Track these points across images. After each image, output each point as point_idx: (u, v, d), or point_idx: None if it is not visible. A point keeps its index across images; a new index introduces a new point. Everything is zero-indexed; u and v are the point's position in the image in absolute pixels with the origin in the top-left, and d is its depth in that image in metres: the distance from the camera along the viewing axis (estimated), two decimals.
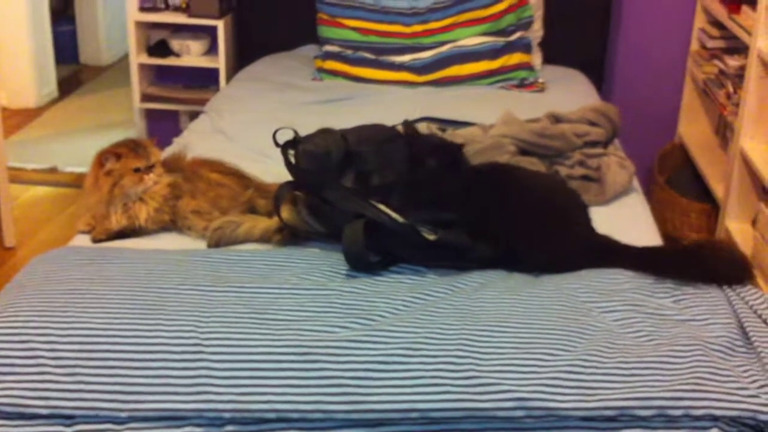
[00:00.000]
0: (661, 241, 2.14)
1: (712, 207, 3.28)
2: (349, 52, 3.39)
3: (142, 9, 3.71)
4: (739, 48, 3.29)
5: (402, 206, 1.88)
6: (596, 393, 1.47)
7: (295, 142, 2.05)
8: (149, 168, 2.04)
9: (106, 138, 4.40)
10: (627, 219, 2.22)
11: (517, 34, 3.40)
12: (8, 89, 4.93)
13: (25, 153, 4.30)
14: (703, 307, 1.71)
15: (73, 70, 5.70)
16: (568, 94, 3.23)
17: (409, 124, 2.12)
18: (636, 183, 2.44)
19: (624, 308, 1.69)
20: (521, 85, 3.32)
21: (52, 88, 5.17)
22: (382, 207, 1.84)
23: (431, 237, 1.82)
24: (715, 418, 1.45)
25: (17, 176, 4.02)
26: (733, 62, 3.18)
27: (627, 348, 1.57)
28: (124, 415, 1.49)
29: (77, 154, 4.26)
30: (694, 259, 1.82)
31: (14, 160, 4.15)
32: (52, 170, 4.16)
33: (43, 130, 4.69)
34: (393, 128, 2.22)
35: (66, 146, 4.43)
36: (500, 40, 3.36)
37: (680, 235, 3.37)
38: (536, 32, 3.50)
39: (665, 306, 1.71)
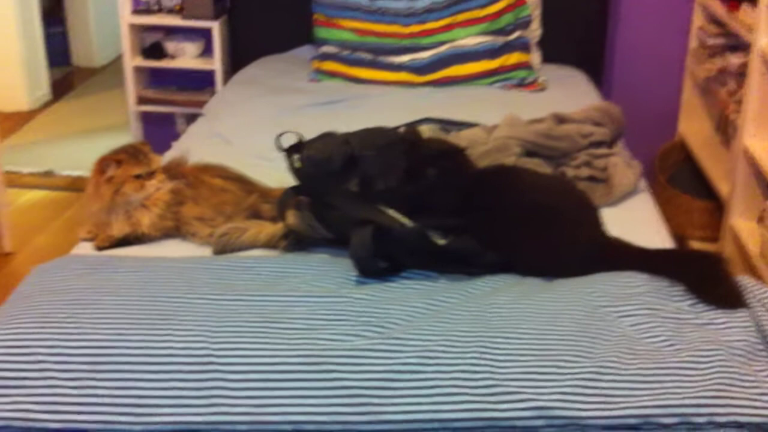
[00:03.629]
0: (670, 240, 2.12)
1: (715, 204, 3.26)
2: (346, 52, 3.35)
3: (136, 11, 3.67)
4: (738, 45, 3.28)
5: (407, 212, 1.84)
6: (618, 401, 1.45)
7: (299, 146, 2.02)
8: (150, 174, 2.00)
9: (101, 141, 4.40)
10: (635, 219, 2.19)
11: (516, 34, 3.37)
12: (0, 93, 4.87)
13: (19, 157, 4.25)
14: (721, 310, 1.68)
15: (66, 72, 5.64)
16: (568, 93, 3.22)
17: (410, 129, 2.08)
18: (643, 183, 2.41)
19: (640, 312, 1.66)
20: (521, 84, 3.29)
21: (44, 90, 5.11)
22: (391, 212, 1.81)
23: (441, 242, 1.79)
24: (739, 425, 1.42)
25: (13, 180, 3.97)
26: (735, 59, 3.16)
27: (646, 354, 1.54)
28: (137, 428, 1.45)
29: (72, 157, 4.21)
30: (700, 269, 1.79)
31: (9, 164, 4.10)
32: (48, 174, 4.11)
33: (37, 133, 4.64)
34: (395, 131, 2.20)
35: (60, 150, 4.38)
36: (499, 40, 3.33)
37: (684, 233, 3.36)
38: (534, 31, 3.48)
39: (682, 309, 1.68)
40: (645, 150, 3.65)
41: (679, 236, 3.37)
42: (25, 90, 4.92)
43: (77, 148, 4.36)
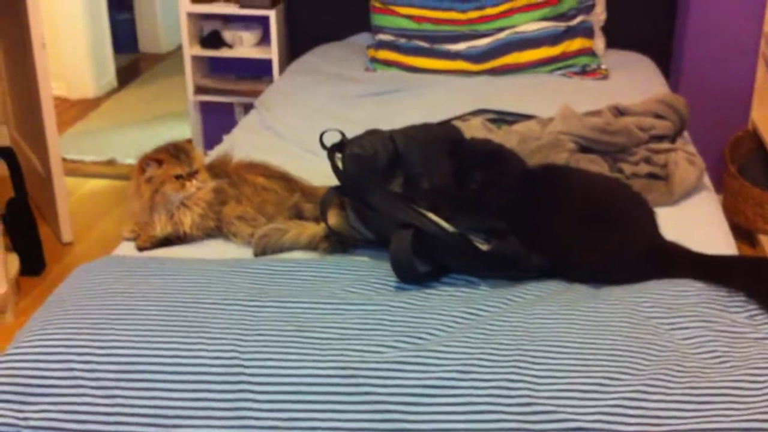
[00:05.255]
0: (734, 245, 2.00)
1: None
2: (402, 40, 3.28)
3: (194, 0, 3.66)
4: None
5: (452, 213, 1.78)
6: (662, 423, 1.36)
7: (342, 145, 1.97)
8: (191, 174, 1.98)
9: (164, 129, 4.44)
10: (697, 221, 2.08)
11: (579, 18, 3.25)
12: (67, 80, 4.95)
13: (83, 145, 4.32)
14: None
15: (132, 59, 5.71)
16: (633, 80, 3.08)
17: (454, 128, 2.01)
18: (707, 181, 2.29)
19: (694, 325, 1.57)
20: (583, 72, 3.17)
21: (110, 77, 5.18)
22: (431, 216, 1.74)
23: (484, 247, 1.72)
24: None
25: (75, 169, 4.04)
26: None
27: (697, 371, 1.45)
28: None
29: (135, 145, 4.23)
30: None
31: (73, 153, 4.17)
32: (110, 162, 4.16)
33: (101, 121, 4.70)
34: (440, 127, 2.13)
35: (123, 138, 4.43)
36: (561, 25, 3.22)
37: (754, 227, 3.20)
38: (599, 15, 3.35)
39: (739, 322, 1.58)
40: (715, 139, 3.50)
41: (748, 230, 3.22)
42: (92, 77, 4.99)
43: (140, 135, 4.40)
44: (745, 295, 1.64)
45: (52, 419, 1.45)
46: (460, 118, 2.56)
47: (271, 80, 3.58)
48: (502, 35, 3.21)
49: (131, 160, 4.08)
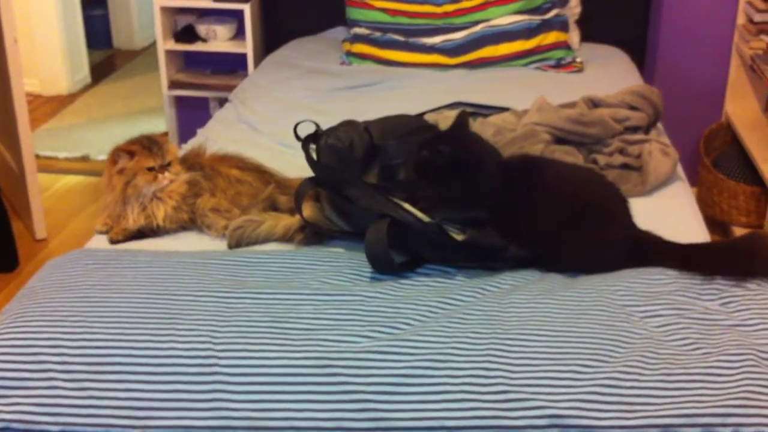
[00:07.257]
0: (707, 234, 2.01)
1: (762, 189, 3.13)
2: (377, 34, 3.27)
3: None
4: None
5: (429, 204, 1.77)
6: (637, 409, 1.37)
7: (316, 136, 1.96)
8: (164, 166, 1.96)
9: (139, 125, 4.41)
10: (670, 210, 2.09)
11: (553, 12, 3.26)
12: (41, 76, 4.90)
13: (57, 141, 4.27)
14: (754, 311, 1.59)
15: (106, 55, 5.66)
16: (608, 73, 3.09)
17: (428, 123, 2.01)
18: (680, 171, 2.30)
19: (668, 312, 1.58)
20: (558, 65, 3.18)
21: (84, 74, 5.14)
22: (407, 206, 1.74)
23: (459, 237, 1.72)
24: None
25: (49, 165, 4.00)
26: None
27: (671, 358, 1.45)
28: None
29: (109, 141, 4.14)
30: (743, 254, 1.69)
31: (46, 149, 4.13)
32: (84, 159, 4.12)
33: (75, 117, 4.66)
34: (416, 119, 2.12)
35: (98, 134, 4.39)
36: (535, 19, 3.22)
37: (728, 219, 3.22)
38: (573, 9, 3.35)
39: (712, 310, 1.59)
40: (690, 131, 3.52)
41: (723, 222, 3.24)
42: (66, 74, 4.94)
43: (115, 132, 4.36)
44: (722, 281, 1.65)
45: (23, 412, 1.43)
46: (436, 111, 2.56)
47: (245, 74, 3.55)
48: (477, 29, 3.21)
49: (105, 157, 4.02)
